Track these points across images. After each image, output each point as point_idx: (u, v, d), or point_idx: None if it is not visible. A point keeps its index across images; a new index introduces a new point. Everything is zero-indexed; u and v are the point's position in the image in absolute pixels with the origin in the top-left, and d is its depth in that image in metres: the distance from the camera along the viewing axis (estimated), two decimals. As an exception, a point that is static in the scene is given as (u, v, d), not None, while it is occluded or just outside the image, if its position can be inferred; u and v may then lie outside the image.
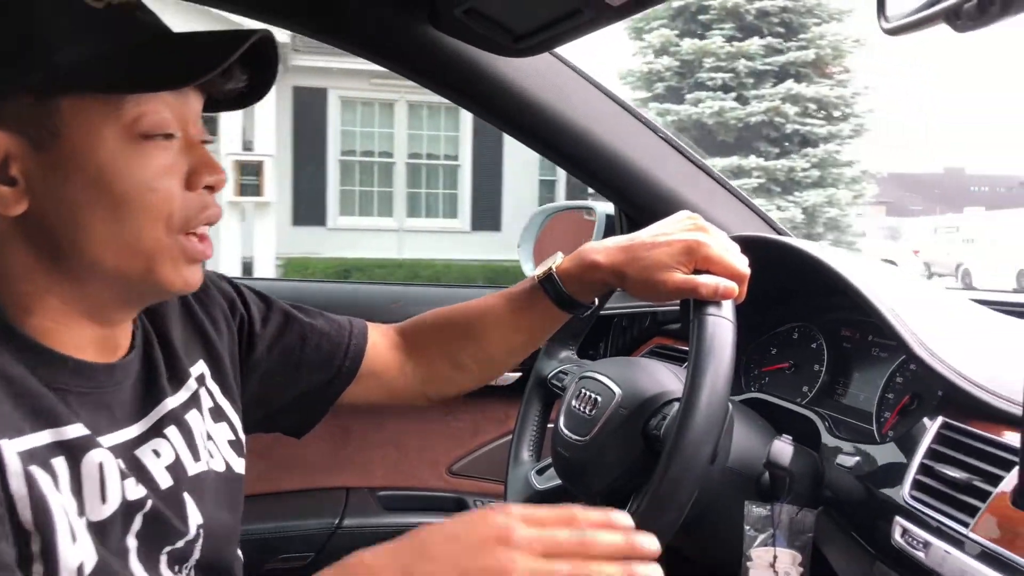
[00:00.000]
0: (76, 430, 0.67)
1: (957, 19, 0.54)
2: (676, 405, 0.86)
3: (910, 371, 0.99)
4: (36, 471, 0.62)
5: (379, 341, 1.03)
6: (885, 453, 0.89)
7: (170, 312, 0.83)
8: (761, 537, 0.88)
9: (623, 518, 0.62)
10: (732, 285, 0.84)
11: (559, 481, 1.08)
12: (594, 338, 1.59)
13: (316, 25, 1.21)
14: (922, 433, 0.84)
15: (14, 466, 0.61)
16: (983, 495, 0.74)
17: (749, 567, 0.87)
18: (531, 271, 1.93)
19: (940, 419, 0.83)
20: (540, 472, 1.14)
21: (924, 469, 0.81)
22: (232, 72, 0.71)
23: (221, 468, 0.82)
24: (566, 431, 1.01)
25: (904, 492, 0.80)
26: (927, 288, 1.11)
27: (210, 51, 0.67)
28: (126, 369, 0.75)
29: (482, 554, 0.58)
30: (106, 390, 0.72)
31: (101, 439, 0.69)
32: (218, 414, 0.85)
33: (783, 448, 0.87)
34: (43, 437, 0.64)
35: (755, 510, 0.89)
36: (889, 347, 1.05)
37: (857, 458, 0.90)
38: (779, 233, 1.43)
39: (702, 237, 0.88)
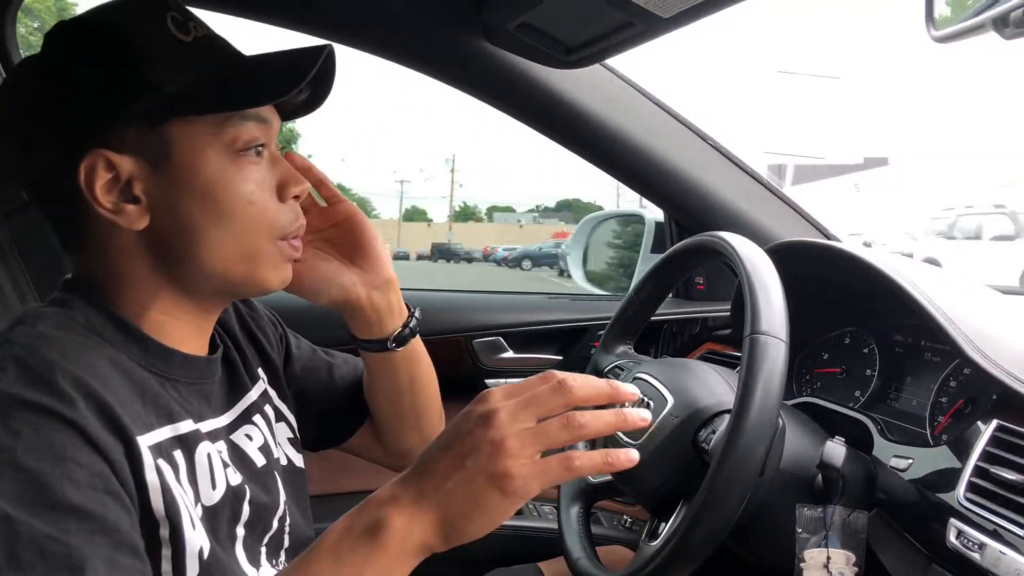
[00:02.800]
0: (188, 425, 0.74)
1: (1005, 27, 0.56)
2: (726, 417, 0.88)
3: (964, 375, 0.99)
4: (162, 463, 0.68)
5: None
6: (938, 456, 0.89)
7: (232, 322, 0.91)
8: (814, 539, 0.89)
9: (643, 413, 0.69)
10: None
11: (610, 477, 1.09)
12: (644, 344, 1.61)
13: (376, 42, 1.25)
14: (976, 436, 0.84)
15: (147, 459, 0.67)
16: (1039, 497, 0.74)
17: (803, 568, 0.88)
18: (580, 278, 1.97)
19: (995, 422, 0.84)
20: None
21: (979, 472, 0.81)
22: (302, 87, 0.77)
23: (285, 462, 0.89)
24: (618, 432, 1.02)
25: (959, 494, 0.81)
26: (978, 290, 1.10)
27: (291, 68, 0.73)
28: (217, 364, 0.82)
29: (475, 451, 0.63)
30: (206, 381, 0.80)
31: (202, 424, 0.76)
32: (278, 414, 0.92)
33: (836, 450, 0.88)
34: (165, 432, 0.71)
35: (807, 512, 0.89)
36: (942, 351, 1.05)
37: (910, 461, 0.90)
38: (829, 238, 1.44)
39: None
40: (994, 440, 0.82)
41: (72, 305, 0.72)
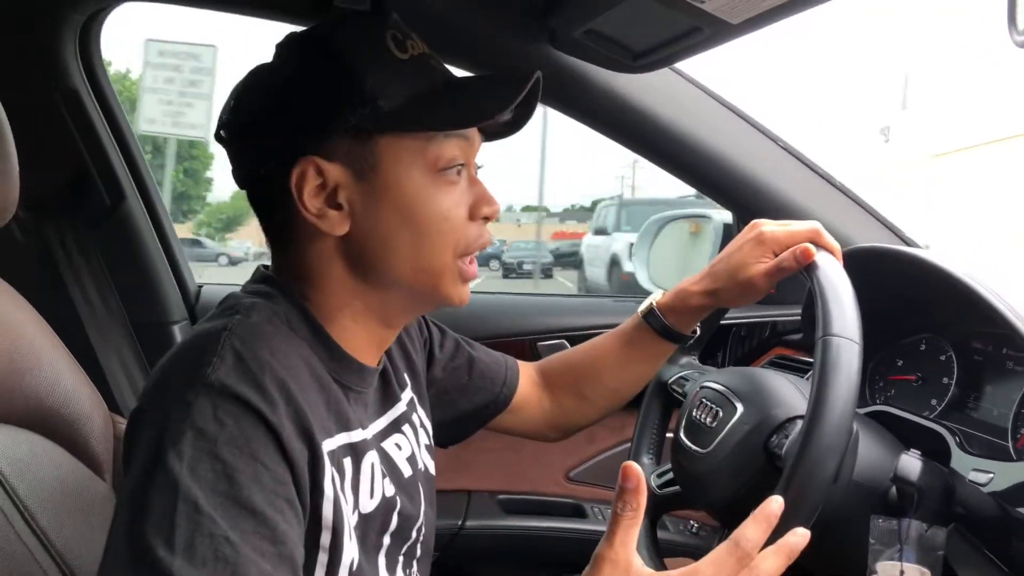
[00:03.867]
0: (359, 433, 0.78)
1: (1093, 32, 0.54)
2: (799, 423, 0.86)
3: (1049, 386, 0.96)
4: (334, 471, 0.72)
5: (525, 377, 1.14)
6: (1021, 470, 0.86)
7: None
8: (888, 552, 0.87)
9: (800, 538, 0.70)
10: (807, 247, 0.92)
11: (678, 487, 1.09)
12: (712, 348, 1.59)
13: (441, 48, 1.27)
14: (1062, 450, 0.81)
15: (327, 466, 0.70)
16: None
17: (875, 581, 0.86)
18: (645, 280, 1.95)
19: (1081, 436, 0.81)
20: (659, 476, 1.15)
21: (1064, 488, 0.78)
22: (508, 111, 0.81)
23: (422, 468, 0.92)
24: (687, 441, 1.02)
25: (1043, 511, 0.78)
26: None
27: (499, 92, 0.77)
28: (378, 374, 0.86)
29: None
30: (370, 390, 0.83)
31: (366, 433, 0.80)
32: (421, 422, 0.95)
33: (911, 463, 0.86)
34: (340, 439, 0.74)
35: (881, 524, 0.87)
36: (1025, 360, 1.01)
37: (991, 475, 0.87)
38: (906, 243, 1.40)
39: (760, 226, 1.00)
40: (1081, 455, 0.79)
41: (276, 300, 0.77)
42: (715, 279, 1.03)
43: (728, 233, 1.68)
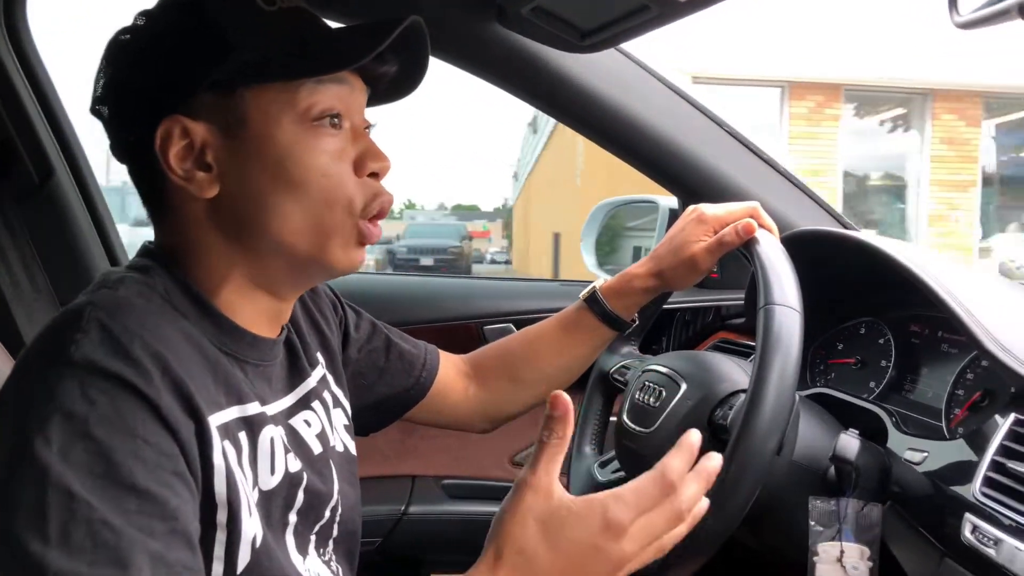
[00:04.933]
0: (255, 407, 0.74)
1: (1032, 13, 0.54)
2: (742, 396, 0.87)
3: (981, 367, 0.98)
4: (227, 446, 0.68)
5: (448, 365, 1.11)
6: (954, 450, 0.88)
7: (295, 304, 0.90)
8: (827, 532, 0.88)
9: (715, 462, 0.70)
10: (748, 222, 0.97)
11: (622, 473, 1.09)
12: (656, 333, 1.60)
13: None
14: (993, 430, 0.83)
15: (216, 440, 0.66)
16: (1057, 493, 0.73)
17: (816, 561, 0.87)
18: (593, 265, 1.96)
19: (1013, 416, 0.82)
20: (603, 465, 1.15)
21: (996, 466, 0.80)
22: (384, 57, 0.77)
23: (341, 448, 0.89)
24: (630, 423, 1.02)
25: (975, 489, 0.79)
26: (997, 282, 1.09)
27: (368, 38, 0.73)
28: (280, 346, 0.82)
29: (599, 561, 0.65)
30: (270, 363, 0.79)
31: (267, 408, 0.76)
32: (335, 400, 0.92)
33: (849, 442, 0.87)
34: (233, 412, 0.71)
35: (820, 505, 0.89)
36: (959, 343, 1.03)
37: (925, 454, 0.89)
38: (845, 227, 1.42)
39: (700, 208, 1.03)
40: (1012, 434, 0.81)
41: (152, 273, 0.73)
42: (659, 260, 1.05)
43: (674, 218, 1.68)
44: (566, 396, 0.66)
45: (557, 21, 1.09)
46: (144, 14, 0.75)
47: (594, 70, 1.30)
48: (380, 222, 0.80)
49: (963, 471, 0.83)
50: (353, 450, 0.92)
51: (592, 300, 1.09)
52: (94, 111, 0.76)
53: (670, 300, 1.18)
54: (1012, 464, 0.78)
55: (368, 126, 0.80)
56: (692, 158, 1.38)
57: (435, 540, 1.62)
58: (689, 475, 0.68)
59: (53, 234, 1.54)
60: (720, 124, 1.41)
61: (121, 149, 0.76)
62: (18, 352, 1.36)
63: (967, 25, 0.59)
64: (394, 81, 0.82)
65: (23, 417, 0.59)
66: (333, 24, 0.80)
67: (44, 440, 0.57)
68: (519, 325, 1.62)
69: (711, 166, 1.39)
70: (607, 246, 1.93)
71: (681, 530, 0.69)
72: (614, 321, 1.09)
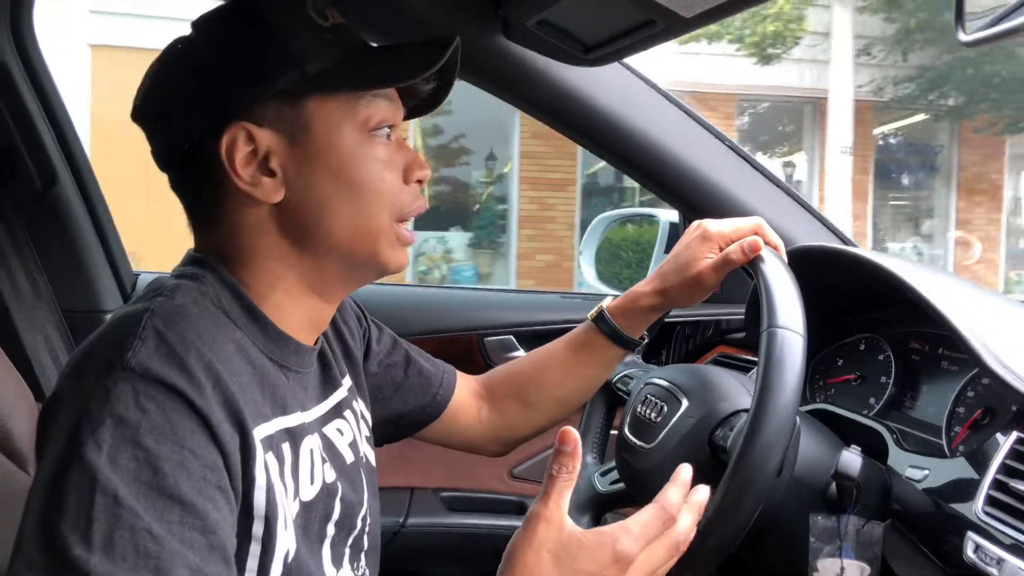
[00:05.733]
0: (297, 417, 0.75)
1: (1038, 32, 0.55)
2: (743, 416, 0.86)
3: (982, 385, 0.98)
4: (270, 459, 0.69)
5: (463, 386, 1.12)
6: (955, 468, 0.88)
7: None
8: (827, 549, 0.87)
9: (702, 495, 0.72)
10: (754, 239, 0.96)
11: (622, 485, 1.08)
12: (656, 346, 1.60)
13: (390, 35, 1.24)
14: (994, 448, 0.83)
15: (259, 453, 0.67)
16: (1059, 512, 0.73)
17: (815, 578, 0.87)
18: (593, 278, 1.96)
19: (1015, 434, 0.82)
20: (603, 475, 1.15)
21: (998, 485, 0.80)
22: (431, 76, 0.80)
23: (363, 458, 0.90)
24: (631, 436, 1.02)
25: (977, 507, 0.79)
26: (997, 299, 1.09)
27: (422, 55, 0.77)
28: (315, 355, 0.83)
29: None
30: (308, 371, 0.81)
31: (306, 415, 0.77)
32: (361, 412, 0.93)
33: (851, 459, 0.87)
34: (277, 424, 0.72)
35: (821, 521, 0.88)
36: (960, 360, 1.03)
37: (926, 472, 0.89)
38: (845, 243, 1.42)
39: (704, 224, 1.03)
40: (1013, 453, 0.81)
41: (204, 280, 0.74)
42: (664, 279, 1.05)
43: (675, 232, 1.69)
44: (575, 432, 0.67)
45: (562, 34, 1.09)
46: (202, 25, 0.77)
47: (597, 83, 1.30)
48: None
49: (964, 489, 0.83)
50: (374, 462, 0.93)
51: (600, 320, 1.09)
52: (140, 118, 0.78)
53: (671, 314, 1.18)
54: (1014, 483, 0.78)
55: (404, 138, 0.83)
56: (694, 172, 1.38)
57: (433, 552, 1.62)
58: (684, 507, 0.71)
59: (55, 241, 1.54)
60: (721, 139, 1.41)
61: (172, 156, 0.77)
62: (19, 358, 1.36)
63: (974, 43, 0.60)
64: (424, 98, 0.85)
65: (77, 418, 0.60)
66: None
67: (95, 444, 0.58)
68: (519, 337, 1.62)
69: (712, 180, 1.39)
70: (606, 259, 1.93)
71: (675, 559, 0.71)
72: (623, 340, 1.08)
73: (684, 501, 0.71)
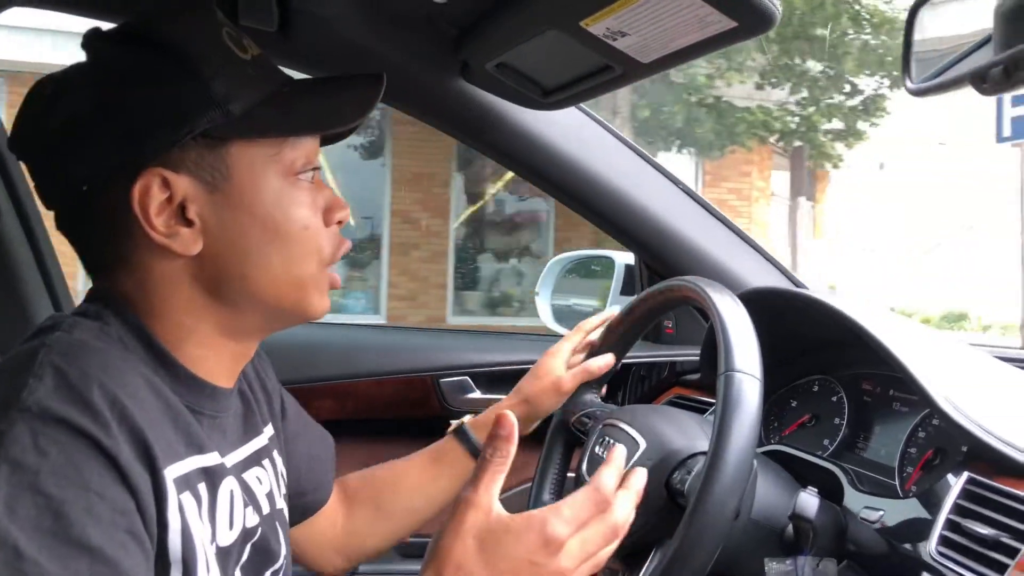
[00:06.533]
0: (214, 457, 0.70)
1: (983, 82, 0.57)
2: (701, 459, 0.86)
3: (932, 426, 0.99)
4: (185, 499, 0.64)
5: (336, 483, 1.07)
6: (908, 508, 0.88)
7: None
8: (784, 591, 0.87)
9: (640, 479, 0.74)
10: (607, 359, 1.11)
11: None
12: (613, 388, 1.59)
13: (344, 72, 1.24)
14: (946, 489, 0.84)
15: (172, 494, 0.63)
16: (1011, 552, 0.74)
17: (773, 620, 0.86)
18: (550, 320, 1.96)
19: (966, 475, 0.83)
20: None
21: (950, 525, 0.81)
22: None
23: (281, 509, 0.85)
24: (589, 477, 1.00)
25: (931, 548, 0.80)
26: (948, 342, 1.11)
27: (355, 96, 0.74)
28: (235, 396, 0.79)
29: (536, 572, 0.65)
30: (226, 415, 0.76)
31: (226, 459, 0.73)
32: (278, 466, 0.88)
33: (809, 500, 0.87)
34: (192, 463, 0.67)
35: (776, 566, 0.88)
36: (910, 401, 1.05)
37: (880, 512, 0.90)
38: (797, 285, 1.45)
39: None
40: (965, 493, 0.82)
41: (106, 320, 0.68)
42: (524, 388, 1.12)
43: (630, 274, 1.70)
44: (511, 415, 0.66)
45: (521, 78, 1.11)
46: (97, 47, 0.69)
47: (554, 126, 1.32)
48: None
49: (918, 530, 0.84)
50: (287, 513, 0.88)
51: (460, 433, 1.08)
52: (22, 150, 0.71)
53: (627, 355, 1.18)
54: (966, 523, 0.79)
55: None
56: (647, 215, 1.40)
57: (384, 600, 1.57)
58: (620, 492, 0.71)
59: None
60: (675, 182, 1.44)
61: (63, 196, 0.70)
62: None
63: (921, 92, 0.62)
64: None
65: None
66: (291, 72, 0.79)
67: None
68: (475, 378, 1.60)
69: (665, 222, 1.41)
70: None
71: (614, 546, 0.69)
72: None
73: (620, 486, 0.70)
